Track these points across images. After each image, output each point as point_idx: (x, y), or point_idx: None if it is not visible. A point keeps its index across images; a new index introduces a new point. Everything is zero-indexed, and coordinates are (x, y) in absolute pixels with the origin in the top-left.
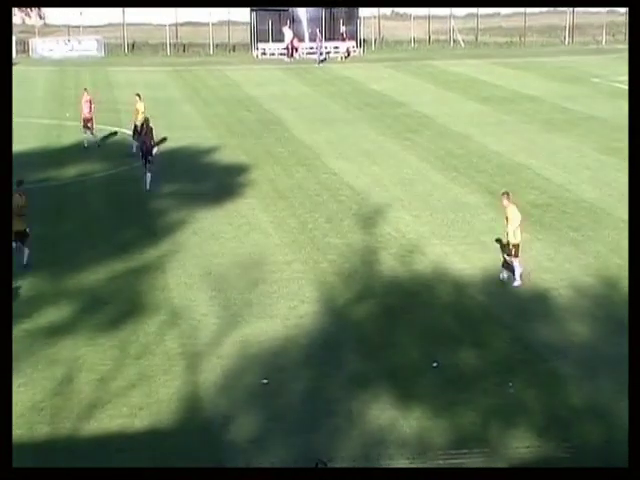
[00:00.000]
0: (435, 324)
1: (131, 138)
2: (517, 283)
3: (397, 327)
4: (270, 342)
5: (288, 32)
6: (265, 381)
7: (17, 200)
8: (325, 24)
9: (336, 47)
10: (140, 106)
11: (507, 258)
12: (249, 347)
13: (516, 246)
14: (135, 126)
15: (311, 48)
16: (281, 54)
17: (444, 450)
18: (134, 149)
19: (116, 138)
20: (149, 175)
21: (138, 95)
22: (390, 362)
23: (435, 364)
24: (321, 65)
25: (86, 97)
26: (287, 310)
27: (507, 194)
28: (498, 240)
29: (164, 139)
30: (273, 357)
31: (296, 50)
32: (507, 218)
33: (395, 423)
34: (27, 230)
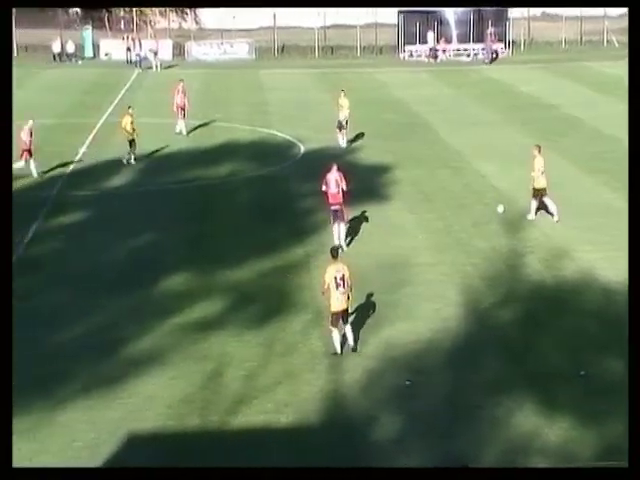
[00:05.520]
0: (581, 331)
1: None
2: (534, 218)
3: (542, 333)
4: (413, 344)
5: (431, 35)
6: (408, 383)
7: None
8: (473, 25)
9: (484, 49)
10: (344, 102)
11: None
12: (392, 348)
13: (539, 189)
14: (339, 122)
15: (482, 49)
16: (426, 56)
17: (590, 461)
18: (342, 144)
19: (268, 138)
20: (343, 228)
21: (343, 91)
22: (534, 368)
23: (583, 372)
24: (490, 65)
25: (181, 88)
26: (431, 312)
27: (539, 147)
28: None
29: None
30: (415, 359)
31: (443, 52)
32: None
33: (539, 431)
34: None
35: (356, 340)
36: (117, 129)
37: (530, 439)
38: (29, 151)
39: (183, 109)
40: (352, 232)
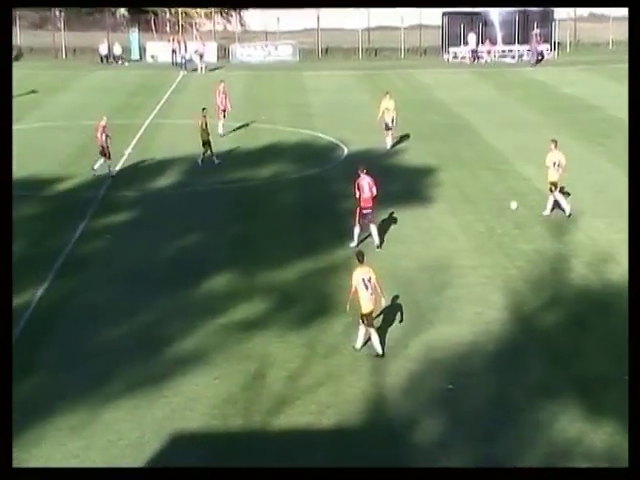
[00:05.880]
0: (627, 335)
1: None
2: (549, 214)
3: (587, 337)
4: (456, 347)
5: (472, 37)
6: (451, 386)
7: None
8: (518, 27)
9: (529, 50)
10: (390, 103)
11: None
12: (434, 351)
13: (552, 183)
14: (386, 124)
15: (528, 50)
16: (468, 57)
17: None
18: (387, 146)
19: (311, 140)
20: (375, 228)
21: (387, 93)
22: (579, 373)
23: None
24: (535, 67)
25: (222, 89)
26: (473, 315)
27: (555, 142)
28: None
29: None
30: (458, 362)
31: (488, 53)
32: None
33: (584, 436)
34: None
35: (364, 343)
36: (188, 131)
37: (574, 443)
38: (101, 148)
39: (224, 110)
40: (394, 234)
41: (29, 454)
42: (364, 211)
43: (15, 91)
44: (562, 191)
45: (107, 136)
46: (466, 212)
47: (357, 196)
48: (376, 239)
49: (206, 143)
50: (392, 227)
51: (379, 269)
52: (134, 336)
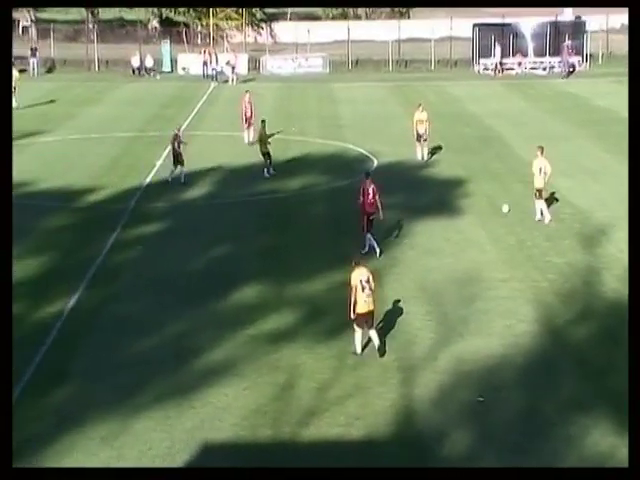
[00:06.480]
0: None
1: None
2: (541, 218)
3: (619, 351)
4: (485, 360)
5: (498, 49)
6: (481, 399)
7: None
8: (550, 39)
9: (560, 62)
10: (423, 115)
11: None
12: (464, 363)
13: (537, 190)
14: (418, 135)
15: (559, 62)
16: (492, 70)
17: None
18: (419, 156)
19: (341, 151)
20: (372, 239)
21: (420, 104)
22: (611, 386)
23: None
24: (566, 80)
25: (247, 99)
26: (503, 328)
27: (542, 148)
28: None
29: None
30: (488, 375)
31: (519, 65)
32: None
33: (616, 451)
34: None
35: (381, 346)
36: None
37: (606, 458)
38: (175, 157)
39: (249, 119)
40: (424, 245)
41: (61, 464)
42: (370, 216)
43: (38, 101)
44: (551, 197)
45: (180, 143)
46: (496, 224)
47: (361, 201)
48: (370, 248)
49: (265, 154)
50: (422, 239)
51: (408, 281)
52: (164, 347)
